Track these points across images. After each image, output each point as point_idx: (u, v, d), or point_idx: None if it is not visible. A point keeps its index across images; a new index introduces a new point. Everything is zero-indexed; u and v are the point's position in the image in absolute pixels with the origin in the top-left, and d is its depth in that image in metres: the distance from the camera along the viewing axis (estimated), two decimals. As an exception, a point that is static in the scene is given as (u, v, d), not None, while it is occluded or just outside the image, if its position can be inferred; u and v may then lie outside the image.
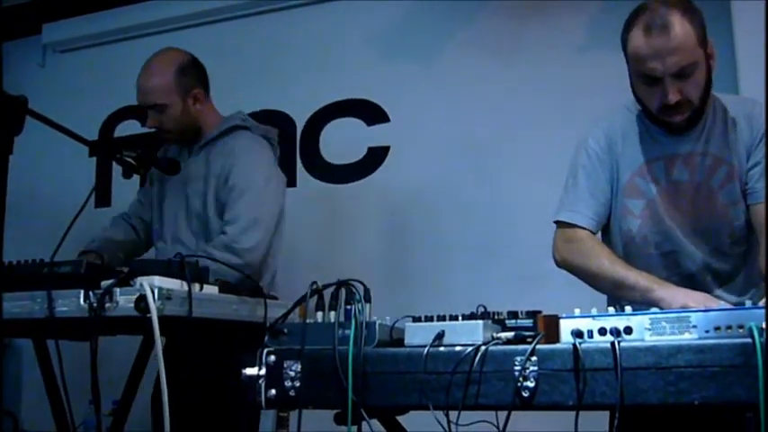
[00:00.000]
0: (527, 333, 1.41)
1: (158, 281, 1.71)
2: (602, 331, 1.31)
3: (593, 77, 3.01)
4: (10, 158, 1.42)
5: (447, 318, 1.42)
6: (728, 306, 1.56)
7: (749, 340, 1.19)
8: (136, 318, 1.68)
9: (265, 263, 2.43)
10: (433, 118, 3.44)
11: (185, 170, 2.49)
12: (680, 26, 1.78)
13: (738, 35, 2.73)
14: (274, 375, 1.47)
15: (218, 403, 2.21)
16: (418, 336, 1.42)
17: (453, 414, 1.33)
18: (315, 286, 1.53)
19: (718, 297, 1.79)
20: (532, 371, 1.30)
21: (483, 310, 1.52)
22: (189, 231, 2.48)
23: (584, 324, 1.32)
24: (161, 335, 1.65)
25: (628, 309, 1.35)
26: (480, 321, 1.40)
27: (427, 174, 3.42)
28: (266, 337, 1.53)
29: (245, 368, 1.49)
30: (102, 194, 3.93)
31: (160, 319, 1.65)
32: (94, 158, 4.01)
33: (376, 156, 3.56)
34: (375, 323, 1.46)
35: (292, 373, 1.46)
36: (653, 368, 1.24)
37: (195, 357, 2.10)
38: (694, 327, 1.28)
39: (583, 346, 1.29)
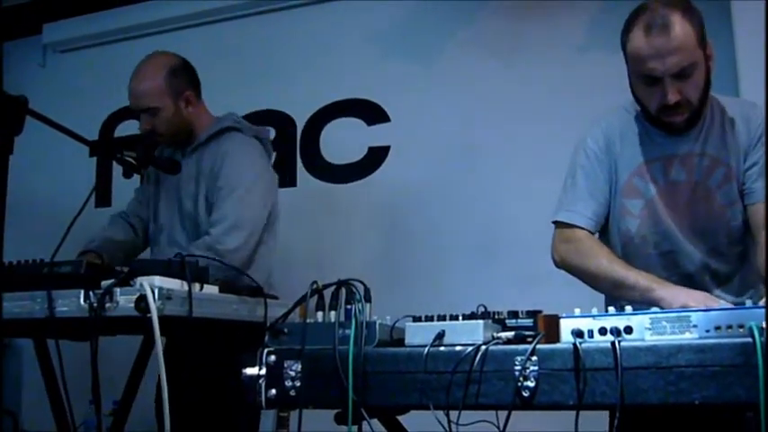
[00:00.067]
0: (527, 333, 1.41)
1: (158, 281, 1.72)
2: (603, 331, 1.31)
3: (593, 77, 3.01)
4: (10, 158, 1.42)
5: (447, 317, 1.42)
6: (729, 305, 1.56)
7: (749, 340, 1.19)
8: (136, 318, 1.68)
9: (254, 263, 2.42)
10: (434, 118, 3.44)
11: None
12: (680, 26, 1.78)
13: (739, 35, 2.73)
14: (275, 375, 1.47)
15: (218, 403, 2.21)
16: (418, 335, 1.42)
17: (454, 414, 1.33)
18: (315, 286, 1.53)
19: (717, 297, 1.79)
20: (533, 370, 1.30)
21: (483, 309, 1.52)
22: (183, 233, 2.49)
23: (585, 324, 1.32)
24: (161, 335, 1.65)
25: (628, 308, 1.35)
26: (480, 321, 1.40)
27: (427, 173, 3.42)
28: (266, 337, 1.53)
29: (245, 368, 1.48)
30: (103, 194, 3.94)
31: (160, 318, 1.65)
32: (95, 158, 4.02)
33: (376, 155, 3.56)
34: (375, 323, 1.46)
35: (293, 373, 1.46)
36: (653, 368, 1.24)
37: (195, 357, 2.10)
38: (695, 326, 1.28)
39: (583, 345, 1.29)
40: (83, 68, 4.22)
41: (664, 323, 1.29)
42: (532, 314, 1.50)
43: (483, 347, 1.34)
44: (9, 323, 1.82)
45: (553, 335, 1.35)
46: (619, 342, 1.26)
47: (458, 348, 1.36)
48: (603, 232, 2.05)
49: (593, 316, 1.33)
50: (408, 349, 1.41)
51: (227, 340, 1.96)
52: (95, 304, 1.70)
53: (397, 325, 1.52)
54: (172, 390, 1.64)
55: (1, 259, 1.33)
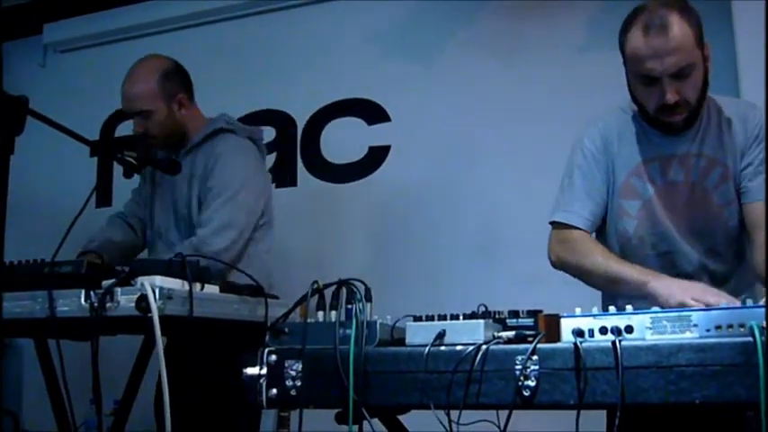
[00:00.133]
0: (528, 332, 1.40)
1: (159, 280, 1.72)
2: (603, 330, 1.31)
3: (593, 77, 3.01)
4: (11, 158, 1.42)
5: (448, 317, 1.42)
6: (729, 305, 1.56)
7: (750, 339, 1.19)
8: (137, 317, 1.68)
9: (249, 263, 2.41)
10: (434, 118, 3.44)
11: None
12: (678, 27, 1.78)
13: (739, 35, 2.73)
14: (275, 375, 1.47)
15: (218, 403, 2.21)
16: (419, 335, 1.42)
17: (454, 413, 1.33)
18: (316, 285, 1.53)
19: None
20: (533, 370, 1.30)
21: (484, 309, 1.53)
22: (178, 234, 2.50)
23: (585, 323, 1.32)
24: (162, 334, 1.65)
25: (628, 308, 1.35)
26: (481, 321, 1.40)
27: (428, 173, 3.42)
28: (267, 337, 1.53)
29: (246, 368, 1.49)
30: (103, 194, 3.94)
31: (161, 318, 1.65)
32: (95, 158, 4.02)
33: (377, 155, 3.56)
34: (376, 322, 1.47)
35: (293, 373, 1.46)
36: (654, 367, 1.24)
37: (196, 357, 2.10)
38: (695, 326, 1.28)
39: (584, 345, 1.29)
40: (83, 68, 4.22)
41: (664, 322, 1.29)
42: (533, 314, 1.50)
43: (484, 347, 1.34)
44: (10, 323, 1.82)
45: (554, 334, 1.35)
46: (619, 341, 1.26)
47: (458, 348, 1.36)
48: (601, 233, 2.05)
49: (594, 315, 1.33)
50: (409, 349, 1.41)
51: (228, 340, 1.96)
52: (96, 304, 1.70)
53: (397, 324, 1.52)
54: (172, 389, 1.64)
55: (2, 259, 1.33)
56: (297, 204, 3.55)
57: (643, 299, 1.70)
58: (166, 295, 1.70)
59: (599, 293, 2.02)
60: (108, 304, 1.70)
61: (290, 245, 3.27)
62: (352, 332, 1.43)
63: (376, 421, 1.47)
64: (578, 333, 1.31)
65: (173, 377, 1.67)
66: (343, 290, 1.50)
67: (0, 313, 1.48)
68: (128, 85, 2.49)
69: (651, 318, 1.30)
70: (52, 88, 4.04)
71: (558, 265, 1.98)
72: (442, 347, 1.38)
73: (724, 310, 1.30)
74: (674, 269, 1.93)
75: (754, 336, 1.18)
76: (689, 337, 1.27)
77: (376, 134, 3.57)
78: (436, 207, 3.38)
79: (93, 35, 4.17)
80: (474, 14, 3.46)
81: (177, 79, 2.54)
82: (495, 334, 1.40)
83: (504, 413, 1.32)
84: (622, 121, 2.01)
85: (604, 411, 1.34)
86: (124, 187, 3.30)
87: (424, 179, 3.42)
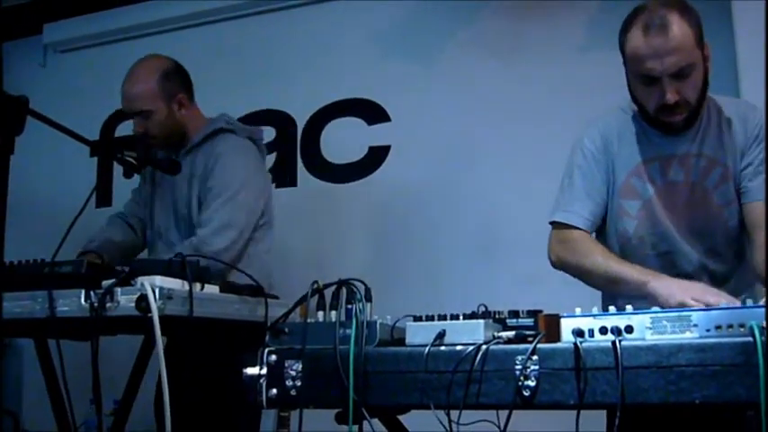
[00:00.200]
0: (528, 332, 1.40)
1: (159, 280, 1.72)
2: (603, 330, 1.31)
3: (593, 77, 3.01)
4: (11, 158, 1.43)
5: (448, 317, 1.42)
6: (729, 305, 1.56)
7: (750, 339, 1.19)
8: (137, 317, 1.68)
9: (249, 263, 2.41)
10: (434, 118, 3.44)
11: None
12: (678, 27, 1.78)
13: (739, 35, 2.73)
14: (275, 375, 1.47)
15: (218, 403, 2.21)
16: (419, 335, 1.42)
17: (454, 413, 1.33)
18: (316, 285, 1.53)
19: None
20: (533, 370, 1.30)
21: (484, 309, 1.53)
22: (178, 235, 2.50)
23: (585, 323, 1.32)
24: (162, 334, 1.65)
25: (628, 308, 1.35)
26: (481, 320, 1.40)
27: (428, 173, 3.42)
28: (267, 337, 1.53)
29: (246, 368, 1.49)
30: (103, 194, 3.94)
31: (161, 318, 1.65)
32: (95, 158, 4.02)
33: (377, 155, 3.56)
34: (376, 322, 1.47)
35: (293, 373, 1.46)
36: (654, 367, 1.24)
37: (196, 357, 2.10)
38: (695, 326, 1.28)
39: (584, 345, 1.29)
40: (83, 68, 4.22)
41: (664, 322, 1.29)
42: (533, 314, 1.50)
43: (484, 347, 1.34)
44: (10, 323, 1.82)
45: (554, 334, 1.35)
46: (619, 341, 1.26)
47: (458, 348, 1.36)
48: (601, 233, 2.05)
49: (594, 315, 1.33)
50: (409, 349, 1.41)
51: (228, 340, 1.96)
52: (96, 304, 1.70)
53: (397, 324, 1.52)
54: (173, 389, 1.64)
55: (2, 259, 1.33)
56: (297, 204, 3.55)
57: (643, 299, 1.70)
58: (166, 295, 1.70)
59: (599, 293, 2.02)
60: (108, 304, 1.70)
61: (290, 245, 3.27)
62: (352, 332, 1.43)
63: (376, 421, 1.47)
64: (578, 333, 1.31)
65: (173, 377, 1.67)
66: (344, 290, 1.50)
67: (0, 313, 1.49)
68: (128, 85, 2.50)
69: (651, 318, 1.30)
70: (52, 88, 4.05)
71: (558, 265, 1.98)
72: (442, 347, 1.38)
73: (724, 310, 1.30)
74: (673, 269, 1.93)
75: (754, 336, 1.18)
76: (689, 337, 1.27)
77: (376, 134, 3.57)
78: (436, 207, 3.38)
79: (93, 35, 4.17)
80: (474, 14, 3.46)
81: (177, 79, 2.54)
82: (495, 334, 1.40)
83: (504, 413, 1.32)
84: (622, 121, 2.01)
85: (604, 411, 1.34)
86: (124, 187, 3.31)
87: (424, 179, 3.42)
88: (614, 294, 1.89)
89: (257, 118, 3.70)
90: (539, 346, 1.32)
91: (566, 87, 3.16)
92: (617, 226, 2.00)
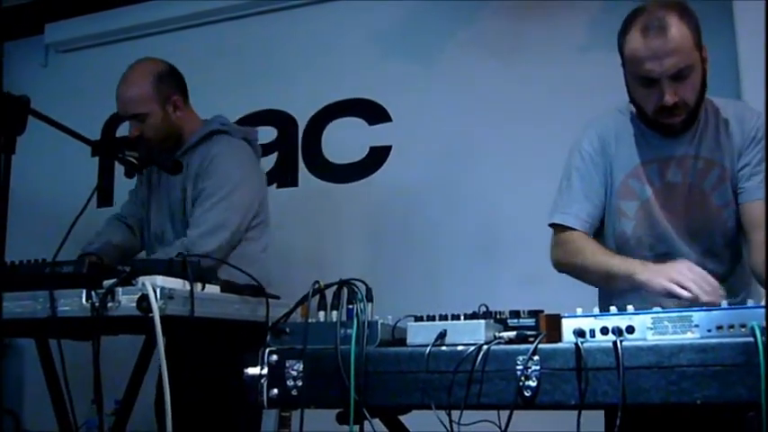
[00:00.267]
0: (529, 332, 1.41)
1: (160, 280, 1.72)
2: (605, 330, 1.31)
3: (593, 77, 3.01)
4: (12, 158, 1.43)
5: (449, 317, 1.43)
6: (730, 305, 1.56)
7: (751, 339, 1.19)
8: (138, 317, 1.68)
9: (246, 262, 2.40)
10: (434, 118, 3.44)
11: (167, 177, 2.51)
12: (677, 28, 1.78)
13: (740, 35, 2.73)
14: (276, 375, 1.47)
15: (219, 403, 2.21)
16: (420, 335, 1.42)
17: (455, 413, 1.33)
18: (317, 285, 1.53)
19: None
20: (534, 370, 1.30)
21: (485, 309, 1.53)
22: (175, 236, 2.49)
23: (587, 323, 1.32)
24: (163, 334, 1.65)
25: (630, 308, 1.35)
26: (482, 321, 1.40)
27: (428, 173, 3.42)
28: (268, 337, 1.53)
29: (247, 368, 1.49)
30: (105, 194, 3.94)
31: (162, 318, 1.65)
32: (97, 158, 4.02)
33: (378, 155, 3.56)
34: (377, 322, 1.47)
35: (294, 373, 1.46)
36: (655, 367, 1.24)
37: (197, 357, 2.10)
38: (696, 326, 1.28)
39: (585, 345, 1.29)
40: (85, 68, 4.22)
41: (665, 323, 1.29)
42: (534, 314, 1.50)
43: (485, 347, 1.34)
44: (11, 323, 1.82)
45: (555, 334, 1.35)
46: (620, 342, 1.26)
47: (459, 348, 1.36)
48: (599, 234, 2.05)
49: (595, 315, 1.33)
50: (410, 349, 1.41)
51: (229, 340, 1.96)
52: (97, 304, 1.70)
53: (398, 325, 1.52)
54: (173, 389, 1.64)
55: (3, 259, 1.34)
56: (298, 204, 3.55)
57: (638, 292, 1.71)
58: (167, 295, 1.70)
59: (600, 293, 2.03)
60: (109, 304, 1.70)
61: (291, 245, 3.27)
62: (353, 332, 1.43)
63: (377, 421, 1.47)
64: (579, 333, 1.31)
65: (174, 377, 1.67)
66: (345, 290, 1.50)
67: (0, 313, 1.49)
68: (122, 88, 2.50)
69: (652, 318, 1.30)
70: (54, 88, 4.05)
71: (558, 266, 1.99)
72: (443, 347, 1.38)
73: (725, 311, 1.30)
74: (672, 270, 1.93)
75: (755, 336, 1.18)
76: (690, 337, 1.27)
77: (377, 134, 3.57)
78: (436, 207, 3.38)
79: (94, 35, 4.17)
80: (474, 14, 3.46)
81: (171, 81, 2.54)
82: (496, 334, 1.40)
83: (504, 413, 1.32)
84: (620, 122, 2.02)
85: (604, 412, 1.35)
86: (125, 187, 3.31)
87: (425, 179, 3.42)
88: (612, 292, 1.89)
89: (258, 118, 3.70)
90: (540, 346, 1.32)
91: (566, 87, 3.16)
92: (615, 227, 2.00)
